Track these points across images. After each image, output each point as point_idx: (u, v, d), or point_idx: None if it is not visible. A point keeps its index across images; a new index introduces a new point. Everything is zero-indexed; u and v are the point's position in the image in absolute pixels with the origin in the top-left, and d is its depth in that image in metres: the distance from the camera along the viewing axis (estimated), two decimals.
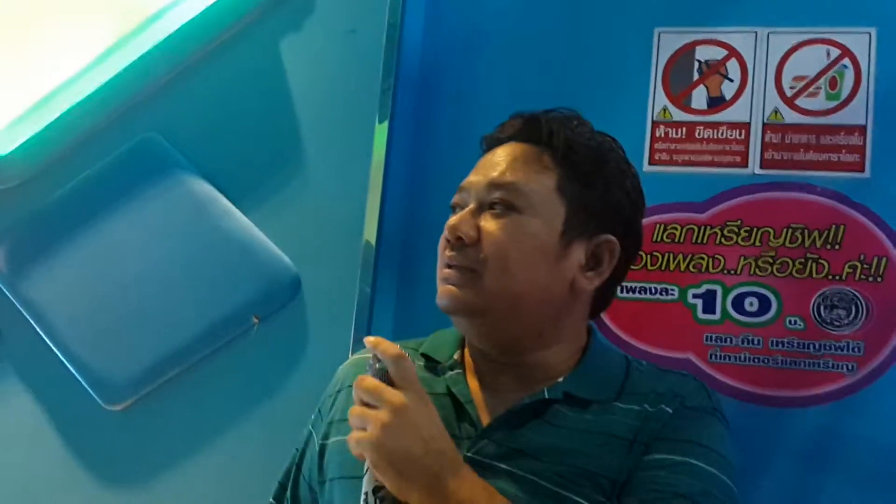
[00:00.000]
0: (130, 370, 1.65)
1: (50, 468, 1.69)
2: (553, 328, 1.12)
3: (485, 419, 1.09)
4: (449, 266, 1.11)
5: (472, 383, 1.13)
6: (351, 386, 1.00)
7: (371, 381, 0.97)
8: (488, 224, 1.10)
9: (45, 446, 1.69)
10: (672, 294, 1.46)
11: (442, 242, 1.13)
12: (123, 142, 1.74)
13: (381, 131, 1.58)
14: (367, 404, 0.97)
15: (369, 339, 0.99)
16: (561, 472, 1.03)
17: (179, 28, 1.71)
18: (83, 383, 1.67)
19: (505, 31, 1.61)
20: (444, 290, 1.11)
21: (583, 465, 1.04)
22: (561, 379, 1.10)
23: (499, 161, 1.14)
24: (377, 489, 0.96)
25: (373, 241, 1.56)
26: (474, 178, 1.15)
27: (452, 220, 1.11)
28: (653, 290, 1.46)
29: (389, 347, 0.98)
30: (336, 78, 1.68)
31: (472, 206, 1.12)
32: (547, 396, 1.08)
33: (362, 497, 0.97)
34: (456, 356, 1.15)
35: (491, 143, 1.19)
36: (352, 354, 1.43)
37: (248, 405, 1.64)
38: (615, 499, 1.04)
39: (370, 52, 1.62)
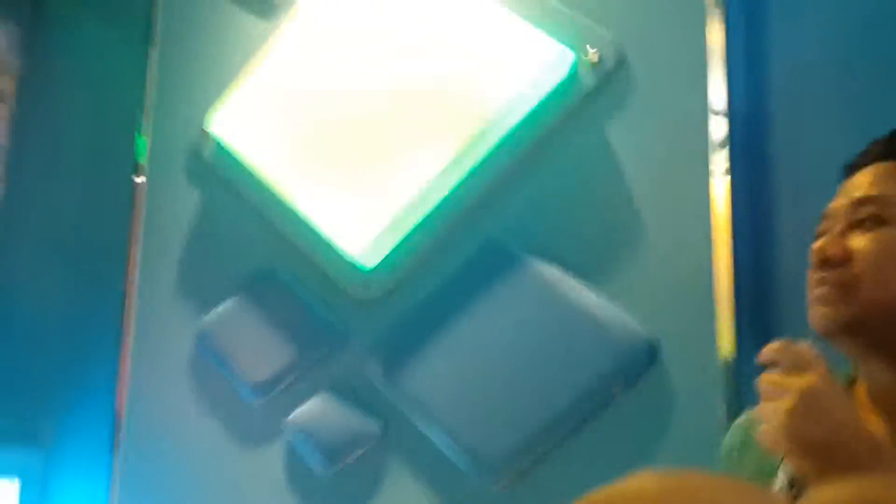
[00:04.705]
0: (505, 447, 1.71)
1: None
2: None
3: None
4: (818, 286, 1.06)
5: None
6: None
7: (772, 375, 0.95)
8: (858, 241, 1.05)
9: None
10: None
11: (810, 270, 1.09)
12: (467, 243, 1.86)
13: (722, 185, 1.60)
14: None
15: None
16: None
17: (511, 130, 1.82)
18: (460, 463, 1.76)
19: (833, 77, 1.59)
20: (816, 312, 1.06)
21: None
22: None
23: (861, 181, 1.10)
24: (792, 483, 0.93)
25: (724, 298, 1.56)
26: (838, 202, 1.11)
27: (816, 243, 1.08)
28: None
29: (772, 345, 0.97)
30: (661, 140, 1.71)
31: (837, 228, 1.08)
32: None
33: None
34: None
35: (852, 169, 1.15)
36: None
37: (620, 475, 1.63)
38: None
39: (692, 110, 1.65)
